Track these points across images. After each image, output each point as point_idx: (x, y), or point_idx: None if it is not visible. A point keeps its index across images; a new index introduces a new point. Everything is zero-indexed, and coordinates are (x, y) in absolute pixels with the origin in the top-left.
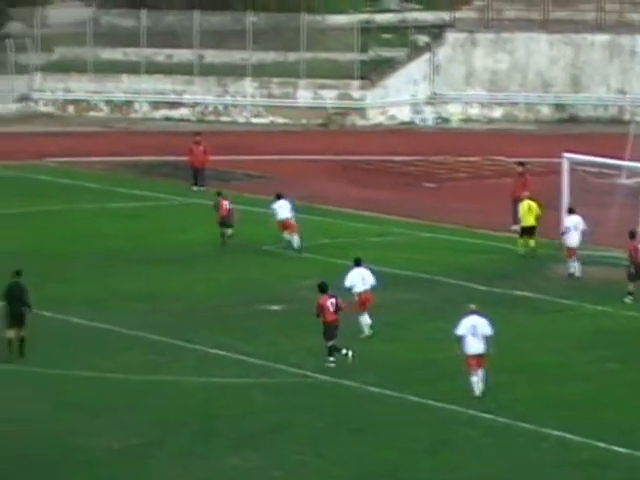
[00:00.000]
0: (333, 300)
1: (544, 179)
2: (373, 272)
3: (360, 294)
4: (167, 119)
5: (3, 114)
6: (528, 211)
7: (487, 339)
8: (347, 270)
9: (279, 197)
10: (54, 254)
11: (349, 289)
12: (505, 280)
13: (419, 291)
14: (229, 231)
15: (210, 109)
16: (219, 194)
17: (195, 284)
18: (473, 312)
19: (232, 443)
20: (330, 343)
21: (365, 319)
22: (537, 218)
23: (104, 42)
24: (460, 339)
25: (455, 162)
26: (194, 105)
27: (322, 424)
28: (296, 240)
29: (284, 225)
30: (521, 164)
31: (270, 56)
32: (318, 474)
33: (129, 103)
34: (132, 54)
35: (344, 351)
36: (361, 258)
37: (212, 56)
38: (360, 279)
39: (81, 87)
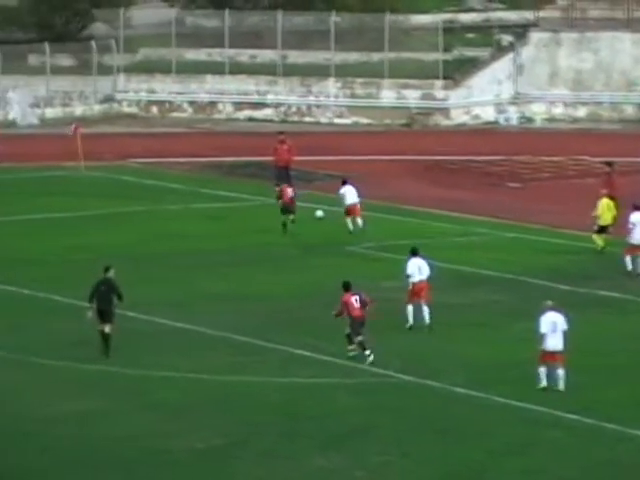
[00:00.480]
0: (357, 297)
1: (629, 179)
2: (429, 262)
3: (415, 284)
4: (250, 120)
5: (87, 115)
6: (607, 209)
7: (564, 334)
8: (406, 260)
9: (345, 182)
10: (138, 255)
11: (409, 277)
12: (590, 280)
13: (504, 292)
14: (291, 216)
15: (293, 109)
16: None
17: (279, 285)
18: (550, 309)
19: (316, 444)
20: (359, 339)
21: (414, 310)
22: (614, 217)
23: (188, 43)
24: (542, 337)
25: (539, 162)
26: (277, 105)
27: (406, 424)
28: (359, 222)
29: (349, 210)
30: (609, 164)
31: (353, 56)
32: (403, 474)
33: (213, 104)
34: (216, 54)
35: (367, 352)
36: (417, 248)
37: (295, 56)
38: (417, 269)
39: (165, 88)
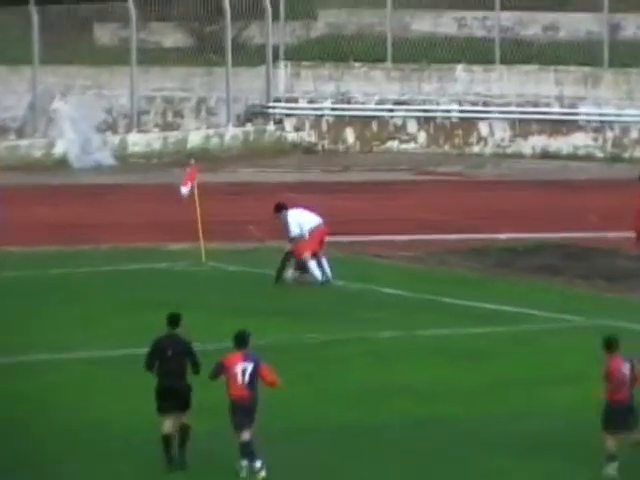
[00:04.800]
0: (249, 365)
1: None
2: None
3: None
4: (543, 156)
5: (213, 147)
6: None
7: None
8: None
9: (281, 208)
10: (319, 428)
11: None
12: None
13: None
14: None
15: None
16: None
17: None
18: None
19: None
20: (243, 437)
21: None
22: None
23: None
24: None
25: None
26: (599, 125)
27: None
28: (324, 264)
29: (317, 234)
30: None
31: None
32: None
33: (468, 123)
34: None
35: (258, 464)
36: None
37: None
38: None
39: (368, 90)
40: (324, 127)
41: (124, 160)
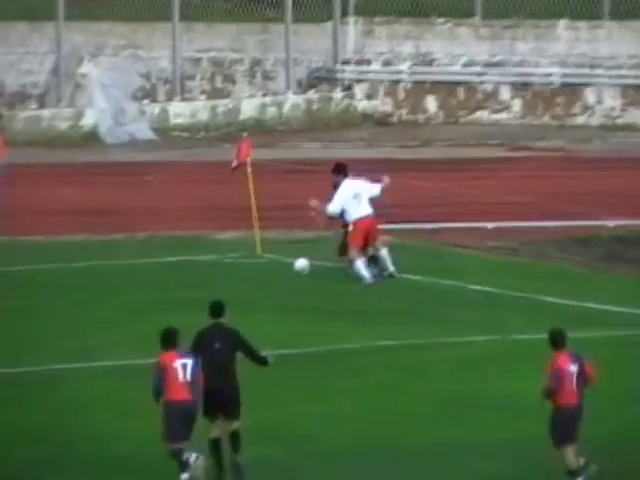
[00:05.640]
0: (188, 361)
1: None
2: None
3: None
4: None
5: (270, 117)
6: None
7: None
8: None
9: (340, 171)
10: (396, 444)
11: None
12: None
13: None
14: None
15: None
16: None
17: None
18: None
19: None
20: (173, 446)
21: None
22: None
23: None
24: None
25: None
26: None
27: None
28: (384, 253)
29: (360, 226)
30: None
31: None
32: None
33: (570, 89)
34: None
35: (193, 457)
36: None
37: None
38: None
39: (467, 50)
40: (401, 94)
41: (165, 133)
